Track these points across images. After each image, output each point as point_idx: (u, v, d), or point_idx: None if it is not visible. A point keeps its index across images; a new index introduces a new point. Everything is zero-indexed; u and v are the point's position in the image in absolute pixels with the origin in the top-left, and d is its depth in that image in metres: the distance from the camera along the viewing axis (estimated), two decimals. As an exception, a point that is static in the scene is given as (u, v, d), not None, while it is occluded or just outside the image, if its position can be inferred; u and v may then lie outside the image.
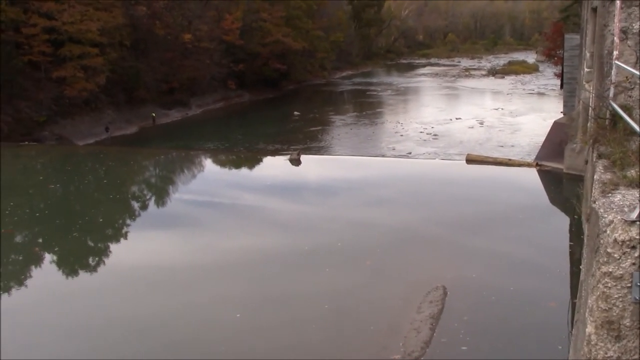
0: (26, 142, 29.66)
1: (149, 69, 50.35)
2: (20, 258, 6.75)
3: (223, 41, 59.31)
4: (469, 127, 38.63)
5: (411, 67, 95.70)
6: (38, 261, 6.52)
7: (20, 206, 8.46)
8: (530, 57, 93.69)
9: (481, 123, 40.27)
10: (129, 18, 49.21)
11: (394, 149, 32.10)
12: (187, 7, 57.92)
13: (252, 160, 13.70)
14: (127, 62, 48.12)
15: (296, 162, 10.63)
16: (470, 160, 11.43)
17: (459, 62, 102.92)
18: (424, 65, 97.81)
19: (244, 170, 12.05)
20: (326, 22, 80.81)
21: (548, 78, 63.82)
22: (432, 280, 5.60)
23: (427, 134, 37.12)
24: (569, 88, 15.85)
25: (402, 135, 37.11)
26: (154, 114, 47.15)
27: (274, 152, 26.56)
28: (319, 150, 32.23)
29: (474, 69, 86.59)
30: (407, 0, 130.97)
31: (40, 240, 7.33)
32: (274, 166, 12.15)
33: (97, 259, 6.75)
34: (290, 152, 12.04)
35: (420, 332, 4.71)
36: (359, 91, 67.16)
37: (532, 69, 77.77)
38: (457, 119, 42.81)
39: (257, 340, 4.72)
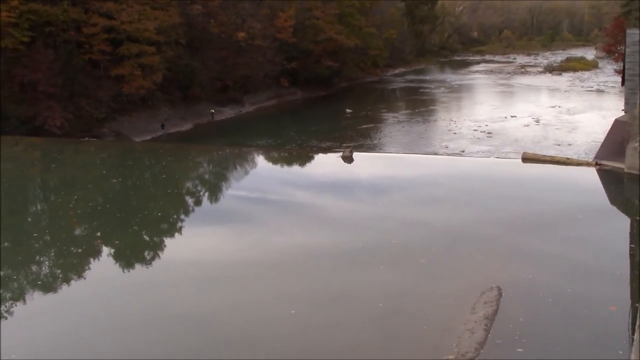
0: (86, 138, 30.55)
1: (203, 67, 51.15)
2: (80, 250, 6.94)
3: (276, 39, 59.71)
4: (525, 125, 37.82)
5: (465, 64, 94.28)
6: (97, 254, 6.69)
7: (80, 200, 8.70)
8: (589, 54, 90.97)
9: (537, 121, 39.36)
10: (185, 17, 50.08)
11: (447, 147, 31.69)
12: (241, 5, 58.55)
13: (304, 158, 13.73)
14: (183, 60, 49.00)
15: (348, 159, 10.61)
16: (527, 158, 11.18)
17: (515, 58, 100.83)
18: (478, 62, 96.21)
19: (296, 167, 12.09)
20: (379, 19, 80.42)
21: (608, 75, 61.80)
22: (487, 280, 5.49)
23: (481, 132, 36.53)
24: (630, 85, 15.32)
25: (455, 133, 36.62)
26: (212, 110, 47.92)
27: (326, 150, 26.59)
28: (371, 148, 32.10)
29: (530, 66, 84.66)
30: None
31: (99, 234, 7.52)
32: (326, 163, 12.14)
33: (152, 253, 6.88)
34: (342, 149, 12.04)
35: (475, 333, 4.64)
36: (412, 88, 66.57)
37: (591, 66, 75.45)
38: (512, 116, 41.97)
39: (312, 338, 4.72)
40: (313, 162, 12.71)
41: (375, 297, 5.41)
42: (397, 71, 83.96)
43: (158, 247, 7.05)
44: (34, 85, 39.68)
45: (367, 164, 11.60)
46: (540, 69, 77.80)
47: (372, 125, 42.95)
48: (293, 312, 5.09)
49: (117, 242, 7.19)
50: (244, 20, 57.74)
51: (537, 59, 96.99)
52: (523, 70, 79.23)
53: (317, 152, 20.29)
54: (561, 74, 69.85)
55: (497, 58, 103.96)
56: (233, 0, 57.41)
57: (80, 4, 44.25)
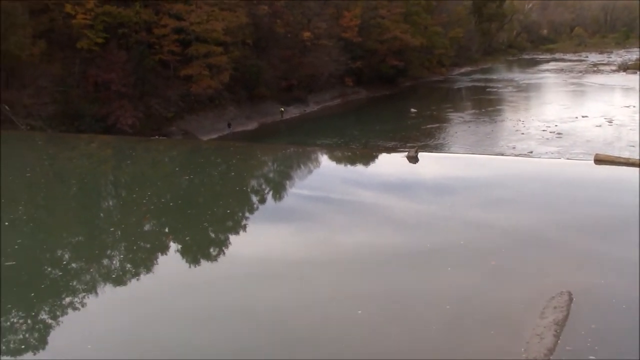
0: (156, 137, 31.39)
1: (269, 66, 51.79)
2: (149, 246, 7.13)
3: (341, 38, 59.82)
4: (597, 126, 36.54)
5: (534, 63, 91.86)
6: (166, 249, 6.86)
7: (153, 196, 8.95)
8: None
9: (610, 121, 37.95)
10: (252, 17, 50.83)
11: (514, 148, 30.99)
12: (306, 5, 58.97)
13: (368, 157, 13.67)
14: (249, 60, 49.76)
15: (413, 159, 10.50)
16: (599, 160, 10.77)
17: (587, 57, 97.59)
18: (548, 61, 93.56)
19: (360, 167, 12.04)
20: (445, 18, 79.49)
21: (688, 73, 59.00)
22: (557, 285, 5.32)
23: (550, 132, 35.56)
24: None
25: (523, 134, 35.76)
26: (282, 109, 48.59)
27: (390, 149, 26.42)
28: (435, 148, 31.73)
29: (603, 64, 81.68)
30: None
31: (167, 230, 7.70)
32: (390, 163, 12.05)
33: (218, 249, 7.00)
34: (407, 149, 11.92)
35: (544, 338, 4.50)
36: (478, 88, 65.40)
37: (669, 64, 72.21)
38: (583, 117, 40.65)
39: (379, 339, 4.70)
40: (377, 161, 12.65)
41: (442, 299, 5.32)
42: (463, 70, 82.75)
43: (224, 244, 7.17)
44: (107, 85, 41.15)
45: (432, 164, 11.45)
46: (613, 68, 75.00)
47: (437, 125, 42.47)
48: (359, 312, 5.07)
49: (186, 238, 7.35)
50: (310, 19, 58.12)
51: (610, 57, 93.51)
52: (595, 68, 76.56)
53: (381, 152, 20.19)
54: (636, 73, 66.99)
55: (568, 56, 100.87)
56: (299, 0, 57.89)
57: (152, 5, 45.59)
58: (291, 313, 5.20)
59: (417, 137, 35.54)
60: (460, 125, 41.80)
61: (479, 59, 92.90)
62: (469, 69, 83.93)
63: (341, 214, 8.14)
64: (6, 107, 36.14)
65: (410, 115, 47.22)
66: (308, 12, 58.76)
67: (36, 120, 37.12)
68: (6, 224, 7.83)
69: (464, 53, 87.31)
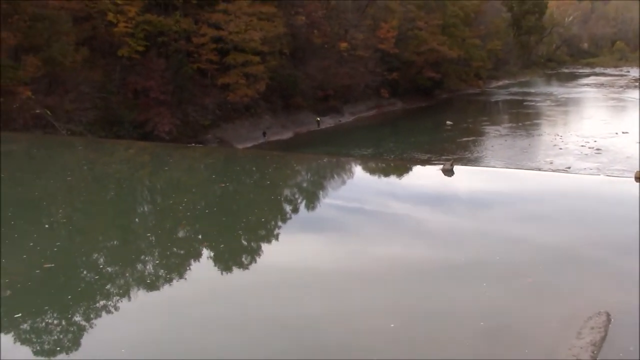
0: (192, 144, 31.74)
1: (305, 76, 52.10)
2: (183, 252, 7.18)
3: (378, 49, 59.90)
4: (637, 142, 35.76)
5: (573, 77, 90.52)
6: (199, 255, 6.91)
7: (190, 203, 9.05)
8: None
9: (652, 138, 37.16)
10: (289, 27, 51.29)
11: (551, 163, 30.53)
12: (344, 16, 59.25)
13: (402, 169, 13.59)
14: (286, 69, 50.14)
15: (449, 172, 10.39)
16: (640, 177, 10.52)
17: (628, 71, 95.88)
18: (588, 75, 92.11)
19: (394, 179, 11.98)
20: (483, 30, 78.98)
21: None
22: (594, 304, 5.19)
23: (589, 148, 34.99)
24: None
25: (561, 149, 35.23)
26: (318, 119, 48.88)
27: (425, 162, 26.26)
28: (471, 161, 31.43)
29: (646, 80, 79.99)
30: (572, 6, 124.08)
31: (200, 236, 7.76)
32: (425, 176, 11.96)
33: (250, 257, 7.02)
34: (442, 161, 11.82)
35: (580, 360, 4.39)
36: (516, 101, 64.71)
37: None
38: (623, 132, 39.90)
39: (411, 353, 4.64)
40: (412, 173, 12.57)
41: (477, 315, 5.24)
42: (500, 83, 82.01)
43: (256, 252, 7.19)
44: (146, 92, 41.89)
45: (467, 177, 11.31)
46: (657, 83, 73.43)
47: (473, 138, 42.10)
48: (392, 325, 5.02)
49: (220, 245, 7.40)
50: (347, 30, 58.34)
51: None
52: (637, 84, 75.05)
53: (416, 164, 20.09)
54: (680, 89, 65.62)
55: (609, 71, 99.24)
56: (337, 11, 58.22)
57: (192, 15, 46.35)
58: (322, 324, 5.18)
59: (452, 150, 35.27)
60: (496, 139, 41.36)
61: (517, 72, 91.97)
62: (506, 82, 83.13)
63: (374, 226, 8.09)
64: (48, 112, 37.03)
65: (446, 128, 46.92)
66: (345, 23, 59.02)
67: (77, 125, 37.97)
68: (46, 226, 8.01)
69: (502, 66, 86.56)
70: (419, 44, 63.65)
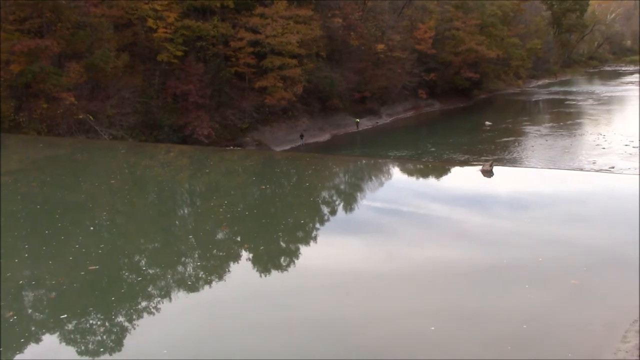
0: (230, 147, 32.04)
1: (342, 78, 52.14)
2: (223, 254, 7.25)
3: (415, 50, 59.61)
4: (685, 141, 34.79)
5: (616, 75, 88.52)
6: (238, 257, 6.96)
7: (230, 205, 9.14)
8: None
9: (700, 137, 36.11)
10: (326, 30, 51.42)
11: (594, 163, 29.92)
12: (381, 17, 59.17)
13: (440, 170, 13.46)
14: (323, 72, 50.26)
15: (488, 173, 10.26)
16: (687, 177, 10.22)
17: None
18: (632, 73, 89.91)
19: (432, 180, 11.87)
20: (523, 29, 77.96)
21: None
22: (640, 307, 5.07)
23: (634, 147, 34.17)
24: None
25: (604, 148, 34.48)
26: (358, 120, 48.91)
27: (463, 163, 25.97)
28: (511, 162, 30.98)
29: (692, 77, 77.80)
30: (615, 3, 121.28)
31: (239, 238, 7.82)
32: (464, 177, 11.84)
33: (288, 259, 7.04)
34: (481, 162, 11.68)
35: (625, 364, 4.29)
36: (556, 100, 63.58)
37: None
38: (670, 131, 38.79)
39: (451, 356, 4.60)
40: (450, 175, 12.45)
41: (519, 318, 5.16)
42: (540, 82, 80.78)
43: (294, 254, 7.22)
44: (185, 96, 42.48)
45: (507, 178, 11.15)
46: (703, 80, 71.32)
47: (512, 138, 41.50)
48: (433, 328, 4.98)
49: (258, 247, 7.44)
50: (384, 32, 58.19)
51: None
52: (684, 81, 72.98)
53: (454, 165, 19.90)
54: None
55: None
56: (373, 13, 58.16)
57: (229, 19, 46.86)
58: (361, 326, 5.17)
59: (491, 151, 34.81)
60: (537, 139, 40.69)
61: (557, 71, 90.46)
62: (546, 81, 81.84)
63: (412, 227, 8.05)
64: (90, 117, 37.84)
65: (485, 129, 46.36)
66: (382, 25, 58.90)
67: (118, 129, 38.71)
68: (91, 228, 8.19)
69: (542, 65, 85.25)
70: (456, 44, 63.07)
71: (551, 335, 4.87)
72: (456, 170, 13.60)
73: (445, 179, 11.73)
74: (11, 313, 5.33)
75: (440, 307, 5.45)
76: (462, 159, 32.69)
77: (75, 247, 7.21)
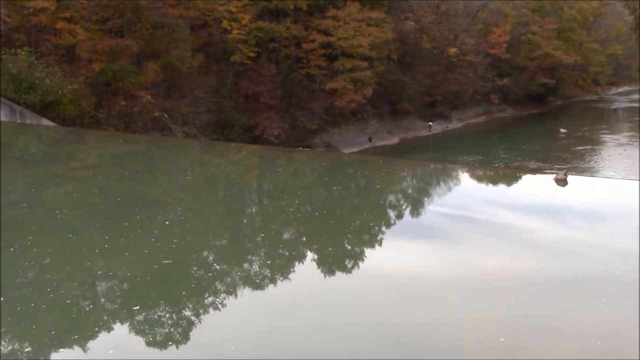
0: (299, 148, 32.31)
1: (413, 81, 51.76)
2: (287, 253, 7.32)
3: (488, 54, 58.54)
4: None
5: None
6: (303, 257, 7.02)
7: (301, 205, 9.24)
8: None
9: None
10: (398, 33, 51.18)
11: (676, 175, 28.47)
12: (454, 21, 58.41)
13: (512, 177, 13.15)
14: (393, 75, 50.05)
15: (562, 182, 9.95)
16: None
17: None
18: None
19: (502, 187, 11.62)
20: (603, 34, 75.30)
21: None
22: None
23: None
24: None
25: (688, 160, 32.79)
26: (430, 123, 48.47)
27: (536, 170, 25.27)
28: (586, 171, 29.95)
29: None
30: None
31: (305, 239, 7.88)
32: (536, 185, 11.52)
33: (353, 262, 7.04)
34: (555, 170, 11.34)
35: None
36: (637, 109, 60.85)
37: None
38: None
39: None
40: (521, 182, 12.14)
41: (592, 333, 4.97)
42: (620, 90, 77.82)
43: (359, 257, 7.21)
44: (257, 96, 43.19)
45: (582, 188, 10.79)
46: None
47: (588, 147, 40.12)
48: (502, 340, 4.86)
49: (324, 248, 7.48)
50: (457, 35, 57.41)
51: None
52: None
53: (526, 173, 19.39)
54: None
55: None
56: (447, 16, 57.49)
57: (302, 21, 47.27)
58: (425, 333, 5.11)
59: (566, 159, 33.75)
60: (614, 148, 39.17)
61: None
62: (627, 88, 78.73)
63: (480, 235, 7.90)
64: (165, 115, 38.97)
65: (560, 136, 44.99)
66: (455, 28, 58.11)
67: (191, 128, 39.71)
68: (166, 223, 8.46)
69: (623, 71, 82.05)
70: (532, 49, 61.48)
71: (628, 352, 4.67)
72: (528, 178, 13.26)
73: (516, 187, 11.46)
74: (87, 302, 5.55)
75: (510, 318, 5.31)
76: (535, 166, 31.83)
77: (151, 240, 7.45)
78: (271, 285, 6.20)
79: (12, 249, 7.30)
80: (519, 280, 6.14)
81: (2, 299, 5.65)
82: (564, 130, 47.00)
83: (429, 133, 47.61)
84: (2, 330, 5.00)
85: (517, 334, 5.03)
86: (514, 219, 8.60)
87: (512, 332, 5.03)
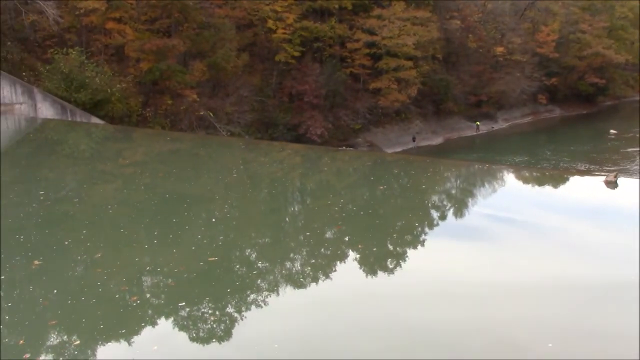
0: (343, 147, 32.30)
1: (458, 81, 51.14)
2: (329, 252, 7.34)
3: (536, 54, 57.42)
4: None
5: None
6: (345, 257, 7.04)
7: (334, 205, 9.25)
8: None
9: None
10: (443, 32, 50.60)
11: None
12: (501, 20, 57.47)
13: (559, 179, 12.91)
14: (438, 74, 49.53)
15: (612, 184, 9.72)
16: None
17: None
18: None
19: (549, 189, 11.42)
20: (657, 32, 72.82)
21: None
22: None
23: None
24: None
25: None
26: (478, 123, 47.87)
27: (584, 172, 24.73)
28: (637, 174, 29.09)
29: None
30: None
31: (347, 239, 7.89)
32: (584, 187, 11.28)
33: (395, 262, 7.03)
34: (604, 173, 11.08)
35: None
36: (692, 110, 58.80)
37: None
38: None
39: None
40: (569, 184, 11.91)
41: (640, 341, 4.80)
42: (674, 90, 75.07)
43: (402, 257, 7.19)
44: (300, 96, 43.31)
45: (634, 191, 10.51)
46: None
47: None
48: (550, 345, 4.75)
49: (365, 248, 7.48)
50: (503, 34, 56.48)
51: None
52: None
53: (574, 174, 18.97)
54: None
55: None
56: (493, 15, 56.63)
57: (346, 21, 47.18)
58: (467, 334, 5.06)
59: (615, 161, 32.87)
60: (668, 150, 37.88)
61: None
62: (681, 88, 75.89)
63: (526, 237, 7.79)
64: (210, 114, 39.46)
65: (610, 137, 43.82)
66: (502, 27, 57.16)
67: (235, 127, 40.09)
68: (213, 220, 8.60)
69: (677, 71, 79.23)
70: (581, 48, 60.09)
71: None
72: (576, 180, 12.99)
73: (564, 189, 11.25)
74: (135, 298, 5.69)
75: (556, 322, 5.20)
76: (583, 168, 31.11)
77: (198, 237, 7.59)
78: (314, 285, 6.24)
79: (66, 242, 7.56)
80: (565, 284, 6.02)
81: (55, 291, 5.85)
82: (614, 132, 45.76)
83: (476, 133, 46.96)
84: (54, 322, 5.18)
85: (565, 338, 4.90)
86: (561, 221, 8.45)
87: (559, 336, 4.90)
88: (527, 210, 9.31)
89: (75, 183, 11.78)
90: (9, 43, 35.24)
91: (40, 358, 4.64)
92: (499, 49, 54.00)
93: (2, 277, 6.13)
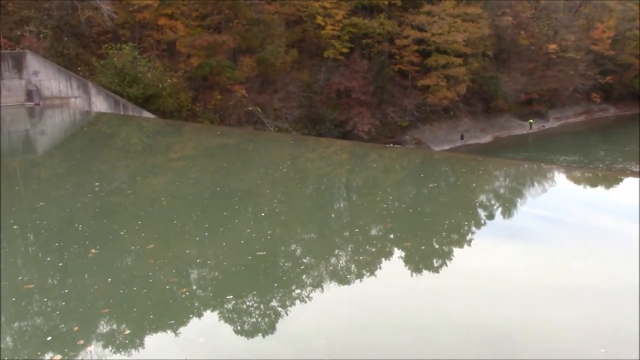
0: (390, 144, 32.18)
1: (508, 79, 50.33)
2: (374, 250, 7.35)
3: (590, 51, 56.03)
4: None
5: None
6: (390, 254, 7.04)
7: (395, 202, 9.27)
8: None
9: None
10: (494, 28, 49.84)
11: None
12: (554, 16, 56.30)
13: (612, 180, 12.59)
14: (488, 72, 48.82)
15: (667, 187, 9.45)
16: None
17: None
18: None
19: (601, 190, 11.15)
20: None
21: None
22: None
23: None
24: None
25: None
26: (531, 121, 47.20)
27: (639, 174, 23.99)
28: (695, 176, 28.08)
29: None
30: None
31: (392, 236, 7.87)
32: (638, 190, 10.98)
33: (441, 260, 6.99)
34: (659, 175, 10.76)
35: None
36: None
37: None
38: None
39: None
40: (622, 185, 11.60)
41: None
42: None
43: (447, 256, 7.15)
44: (348, 92, 43.35)
45: (689, 193, 10.17)
46: None
47: (699, 149, 37.54)
48: (603, 350, 4.65)
49: (413, 246, 7.46)
50: (557, 31, 55.29)
51: None
52: None
53: (628, 176, 18.46)
54: None
55: None
56: (546, 11, 55.52)
57: (395, 17, 46.98)
58: (513, 338, 5.01)
59: (673, 162, 31.74)
60: None
61: None
62: None
63: (576, 239, 7.64)
64: (258, 109, 39.84)
65: (667, 138, 42.34)
66: (555, 24, 55.98)
67: (283, 122, 40.42)
68: (262, 214, 8.72)
69: None
70: (638, 45, 58.24)
71: None
72: (630, 182, 12.64)
73: (617, 190, 10.98)
74: (184, 290, 5.82)
75: (607, 327, 5.08)
76: (638, 169, 30.19)
77: (247, 231, 7.70)
78: (359, 281, 6.26)
79: (121, 233, 7.78)
80: (616, 288, 5.89)
81: (109, 280, 6.04)
82: (672, 132, 44.27)
83: (529, 131, 46.13)
84: (106, 310, 5.34)
85: (618, 345, 4.78)
86: (613, 223, 8.26)
87: (611, 343, 4.78)
88: (577, 211, 9.13)
89: (128, 175, 12.10)
90: (65, 38, 36.32)
91: (92, 345, 4.78)
92: (552, 46, 52.83)
93: (60, 264, 6.37)
